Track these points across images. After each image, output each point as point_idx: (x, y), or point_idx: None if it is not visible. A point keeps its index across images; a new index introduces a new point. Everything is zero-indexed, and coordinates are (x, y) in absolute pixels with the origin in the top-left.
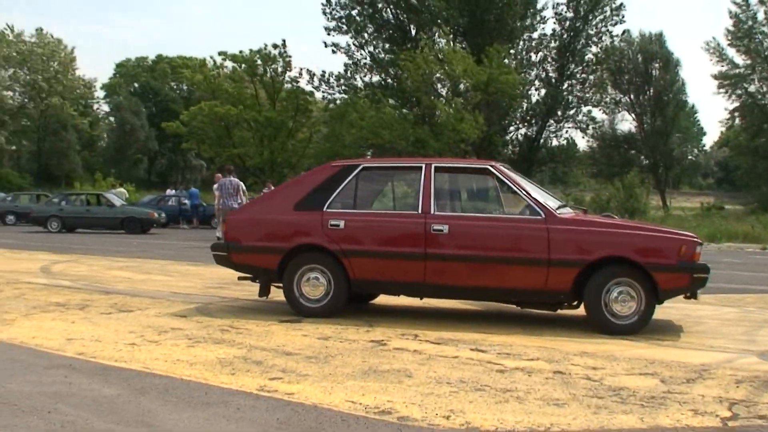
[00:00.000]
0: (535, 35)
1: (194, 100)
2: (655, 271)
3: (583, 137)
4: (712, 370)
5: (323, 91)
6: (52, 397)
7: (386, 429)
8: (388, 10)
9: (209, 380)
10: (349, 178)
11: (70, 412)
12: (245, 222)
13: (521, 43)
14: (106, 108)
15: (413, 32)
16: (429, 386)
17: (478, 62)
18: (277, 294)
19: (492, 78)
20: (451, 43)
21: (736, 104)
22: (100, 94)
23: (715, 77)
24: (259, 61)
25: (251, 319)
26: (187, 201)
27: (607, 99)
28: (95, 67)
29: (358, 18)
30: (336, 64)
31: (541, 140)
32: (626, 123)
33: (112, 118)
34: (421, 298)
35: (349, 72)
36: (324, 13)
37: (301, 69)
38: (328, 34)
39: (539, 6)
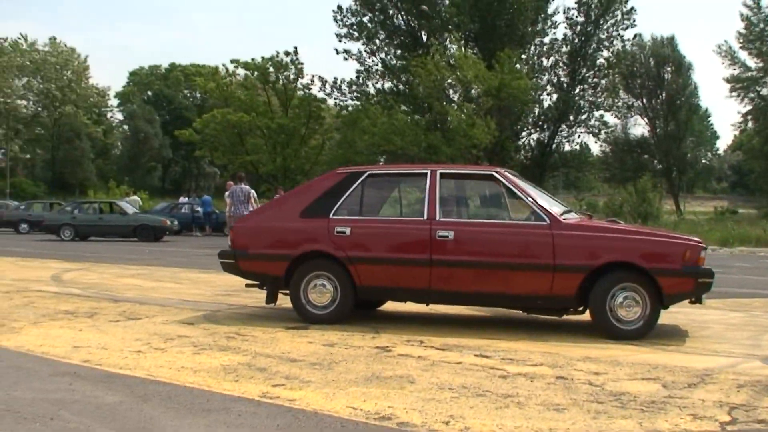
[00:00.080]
0: (547, 40)
1: (207, 108)
2: (660, 276)
3: (595, 142)
4: (715, 374)
5: (335, 98)
6: (55, 404)
7: None
8: (400, 16)
9: (212, 387)
10: (355, 185)
11: (72, 419)
12: (252, 229)
13: (532, 48)
14: (119, 116)
15: (425, 38)
16: (431, 392)
17: (489, 68)
18: (285, 301)
19: (503, 83)
20: (463, 48)
21: (749, 107)
22: (113, 102)
23: (728, 80)
24: (271, 69)
25: (258, 327)
26: (199, 208)
27: (620, 103)
28: (109, 75)
29: (369, 25)
30: (348, 70)
31: (554, 145)
32: (639, 127)
33: (125, 126)
34: (427, 305)
35: (361, 78)
36: (335, 20)
37: (313, 76)
38: (340, 41)
39: (550, 11)
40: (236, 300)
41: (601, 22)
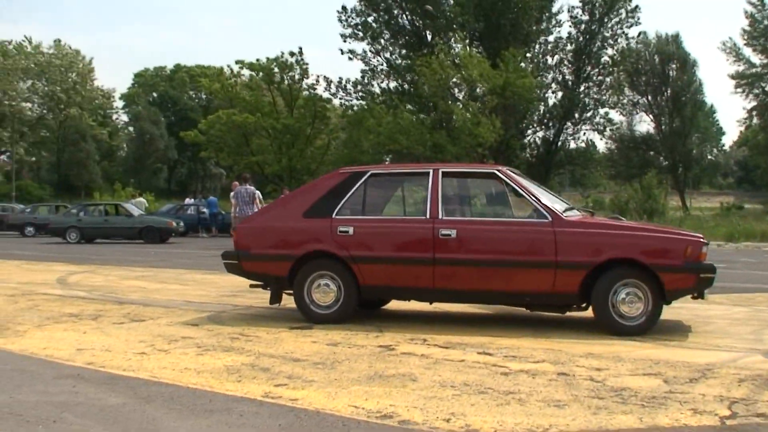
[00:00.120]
0: (551, 38)
1: (213, 109)
2: (662, 272)
3: (601, 139)
4: (716, 369)
5: (341, 98)
6: (59, 406)
7: None
8: (404, 16)
9: (215, 388)
10: (358, 184)
11: (75, 421)
12: (255, 230)
13: (537, 46)
14: (125, 118)
15: (429, 38)
16: (432, 390)
17: (494, 66)
18: (289, 301)
19: (508, 82)
20: (467, 47)
21: (754, 103)
22: (119, 104)
23: (732, 77)
24: (276, 69)
25: (262, 327)
26: (205, 209)
27: (625, 100)
28: (114, 77)
29: (374, 24)
30: (353, 69)
31: (559, 143)
32: (644, 124)
33: (131, 128)
34: (430, 303)
35: (366, 78)
36: (340, 20)
37: (318, 76)
38: (344, 41)
39: (554, 9)
40: (241, 301)
41: (606, 20)
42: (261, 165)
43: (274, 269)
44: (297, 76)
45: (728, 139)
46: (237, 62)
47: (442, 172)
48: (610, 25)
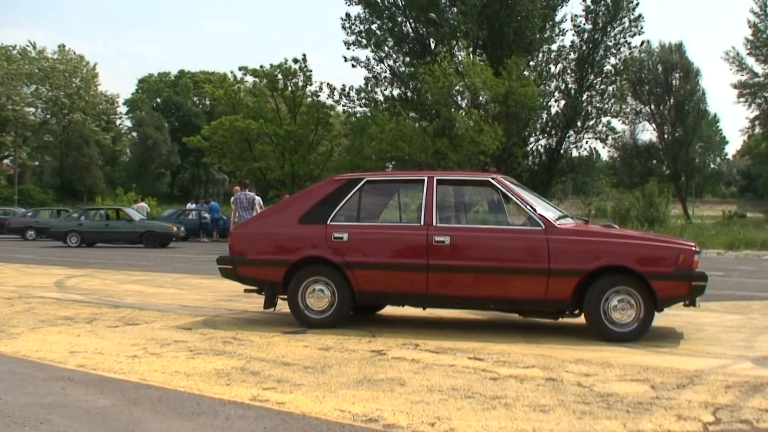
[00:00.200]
0: (554, 47)
1: (217, 115)
2: (654, 280)
3: (603, 147)
4: (704, 376)
5: (344, 105)
6: (47, 408)
7: None
8: (408, 23)
9: (203, 391)
10: (353, 191)
11: (61, 423)
12: (251, 235)
13: (540, 54)
14: (128, 123)
15: (433, 45)
16: (420, 394)
17: (497, 74)
18: (285, 305)
19: (511, 90)
20: (471, 55)
21: (757, 113)
22: (122, 109)
23: (735, 86)
24: (279, 76)
25: (255, 331)
26: (207, 214)
27: (627, 109)
28: (118, 82)
29: (378, 32)
30: (356, 76)
31: (561, 151)
32: (647, 133)
33: (134, 133)
34: (423, 309)
35: (369, 85)
36: (343, 27)
37: (322, 83)
38: (348, 48)
39: (558, 18)
40: (236, 305)
41: (609, 29)
42: (263, 171)
43: (268, 274)
44: (300, 83)
45: (732, 148)
46: (240, 68)
47: (437, 180)
48: (613, 34)
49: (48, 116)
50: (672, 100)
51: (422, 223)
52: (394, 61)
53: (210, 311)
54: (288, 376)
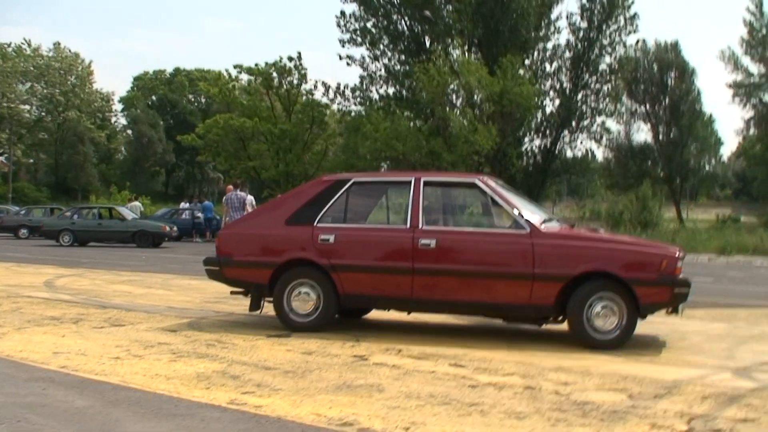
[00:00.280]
0: (550, 45)
1: (212, 113)
2: (637, 286)
3: (598, 148)
4: (682, 386)
5: (339, 104)
6: (25, 407)
7: None
8: (403, 21)
9: (182, 394)
10: (340, 192)
11: (38, 422)
12: (237, 236)
13: (536, 53)
14: (123, 121)
15: (428, 44)
16: (397, 400)
17: (491, 74)
18: (272, 308)
19: (505, 89)
20: (465, 53)
21: (752, 114)
22: (118, 107)
23: (730, 86)
24: (274, 74)
25: (240, 334)
26: (200, 214)
27: (622, 109)
28: (113, 80)
29: (373, 30)
30: (351, 74)
31: (556, 151)
32: (642, 133)
33: (129, 131)
34: (408, 313)
35: (364, 84)
36: (338, 25)
37: (317, 81)
38: (343, 47)
39: (553, 16)
40: (223, 307)
41: (604, 27)
42: (257, 170)
43: (254, 276)
44: (295, 81)
45: (727, 150)
46: (235, 66)
47: (424, 181)
48: (608, 33)
49: (43, 114)
50: (667, 100)
51: (408, 225)
52: (389, 60)
53: (196, 313)
54: (268, 380)
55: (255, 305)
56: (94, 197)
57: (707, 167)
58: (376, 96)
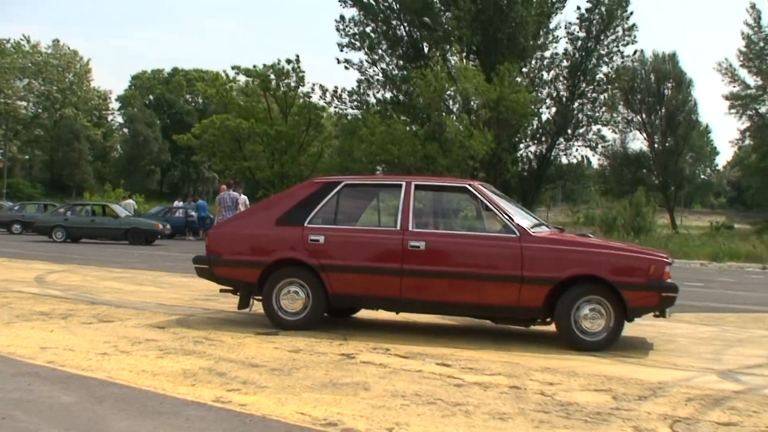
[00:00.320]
0: (547, 54)
1: (209, 113)
2: (624, 290)
3: (593, 155)
4: (668, 388)
5: (336, 107)
6: (10, 403)
7: None
8: (402, 27)
9: (167, 391)
10: (331, 194)
11: (23, 419)
12: (227, 236)
13: (533, 61)
14: (120, 119)
15: (426, 49)
16: (383, 399)
17: (489, 80)
18: (261, 306)
19: (502, 96)
20: (463, 60)
21: (748, 124)
22: (115, 105)
23: (727, 98)
24: (272, 76)
25: (228, 331)
26: (194, 213)
27: (619, 118)
28: (111, 79)
29: (372, 35)
30: (349, 77)
31: (551, 158)
32: (637, 142)
33: (125, 130)
34: (397, 313)
35: (361, 88)
36: (337, 29)
37: (314, 84)
38: (341, 50)
39: (552, 26)
40: (213, 305)
41: (602, 37)
42: (253, 170)
43: (244, 275)
44: (293, 84)
45: (722, 159)
46: (233, 68)
47: (415, 185)
48: (606, 43)
49: (40, 110)
50: (663, 110)
51: (398, 227)
52: (387, 65)
53: (185, 310)
54: (254, 377)
55: (244, 303)
56: (89, 194)
57: (702, 176)
58: (373, 100)
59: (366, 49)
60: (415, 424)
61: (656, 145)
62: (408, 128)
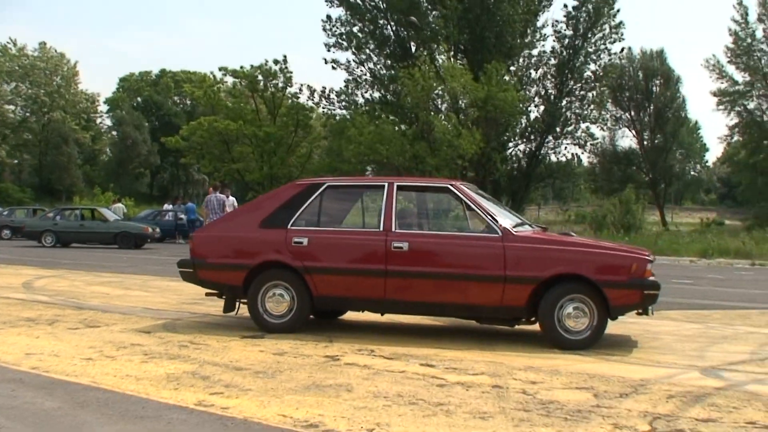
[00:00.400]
0: (535, 52)
1: (197, 115)
2: (607, 288)
3: (582, 153)
4: (649, 385)
5: (324, 107)
6: None
7: None
8: (389, 26)
9: (150, 395)
10: (314, 196)
11: (5, 425)
12: (211, 239)
13: (521, 60)
14: (108, 122)
15: (414, 49)
16: (365, 400)
17: (477, 79)
18: (246, 309)
19: (490, 95)
20: (451, 59)
21: (736, 121)
22: (103, 108)
23: (715, 94)
24: (260, 77)
25: (213, 335)
26: (183, 216)
27: (607, 116)
28: (99, 81)
29: (359, 35)
30: (336, 78)
31: (540, 156)
32: (627, 139)
33: (114, 132)
34: (381, 314)
35: (349, 88)
36: (324, 29)
37: (302, 85)
38: (329, 50)
39: (539, 24)
40: (200, 308)
41: (590, 35)
42: (242, 172)
43: (229, 278)
44: (281, 84)
45: (712, 156)
46: (220, 69)
47: (398, 186)
48: (593, 41)
49: (27, 114)
50: (652, 107)
51: (381, 228)
52: (375, 64)
53: (172, 314)
54: (237, 381)
55: (229, 306)
56: (78, 198)
57: (692, 173)
58: (361, 100)
59: (353, 49)
60: (396, 424)
61: (645, 143)
62: (396, 128)
